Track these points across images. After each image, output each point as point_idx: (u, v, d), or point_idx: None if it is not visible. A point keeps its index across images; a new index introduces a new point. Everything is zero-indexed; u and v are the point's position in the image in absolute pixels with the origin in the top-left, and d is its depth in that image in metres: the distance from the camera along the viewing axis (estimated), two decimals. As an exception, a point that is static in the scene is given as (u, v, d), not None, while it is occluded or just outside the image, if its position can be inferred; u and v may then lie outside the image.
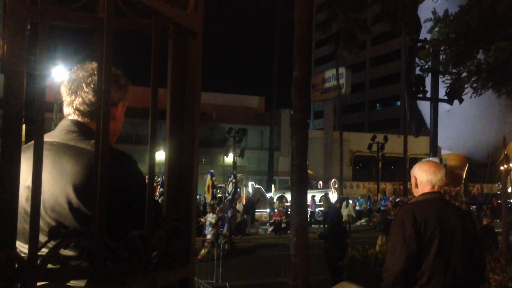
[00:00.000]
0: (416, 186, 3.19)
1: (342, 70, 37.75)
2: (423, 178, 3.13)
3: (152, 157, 0.96)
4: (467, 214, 3.39)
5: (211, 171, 18.64)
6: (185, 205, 1.10)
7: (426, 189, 3.13)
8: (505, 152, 19.41)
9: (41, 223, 1.27)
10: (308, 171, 9.78)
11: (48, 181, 1.37)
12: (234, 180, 17.85)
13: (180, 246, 1.03)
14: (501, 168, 12.94)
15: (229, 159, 35.72)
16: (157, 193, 14.18)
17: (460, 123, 17.17)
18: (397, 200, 25.45)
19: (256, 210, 23.36)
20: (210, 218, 15.30)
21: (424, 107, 19.23)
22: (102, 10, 1.10)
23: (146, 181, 1.14)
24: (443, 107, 16.23)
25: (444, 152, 19.28)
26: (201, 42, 1.11)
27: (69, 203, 1.35)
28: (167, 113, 1.18)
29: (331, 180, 32.66)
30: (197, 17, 1.08)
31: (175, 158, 1.14)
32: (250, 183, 27.73)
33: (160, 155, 37.77)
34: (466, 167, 19.01)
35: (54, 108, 27.52)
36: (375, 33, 53.34)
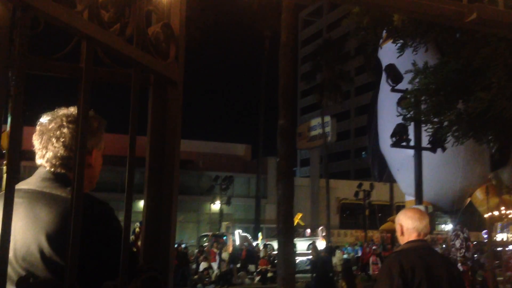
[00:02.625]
0: (402, 233, 3.17)
1: (327, 119, 38.36)
2: (409, 225, 3.12)
3: (128, 205, 0.95)
4: (452, 262, 3.37)
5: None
6: (163, 255, 1.08)
7: (412, 236, 3.11)
8: (469, 200, 19.64)
9: (11, 272, 1.23)
10: (299, 221, 9.71)
11: (21, 229, 1.33)
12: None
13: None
14: (486, 216, 12.97)
15: (215, 206, 35.34)
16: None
17: (424, 169, 17.32)
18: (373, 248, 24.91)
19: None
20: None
21: (387, 152, 19.49)
22: (83, 60, 1.12)
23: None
24: (407, 152, 16.42)
25: (408, 198, 19.24)
26: (181, 91, 1.12)
27: (41, 252, 1.31)
28: (146, 162, 1.18)
29: (318, 227, 32.38)
30: (177, 67, 1.10)
31: (153, 207, 1.13)
32: (236, 231, 27.34)
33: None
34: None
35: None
36: (359, 83, 54.68)
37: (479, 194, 19.22)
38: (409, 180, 18.52)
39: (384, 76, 19.33)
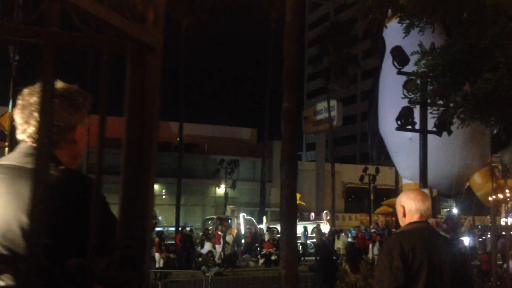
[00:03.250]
0: (404, 215, 3.10)
1: (333, 103, 38.11)
2: (412, 206, 3.05)
3: (98, 183, 0.89)
4: (455, 244, 3.31)
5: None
6: (139, 235, 1.02)
7: (414, 218, 3.04)
8: (468, 184, 19.17)
9: None
10: (300, 202, 9.69)
11: (1, 206, 1.29)
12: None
13: (131, 277, 0.94)
14: (490, 199, 12.85)
15: (220, 190, 35.47)
16: None
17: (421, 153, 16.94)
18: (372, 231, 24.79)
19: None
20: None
21: (385, 134, 19.10)
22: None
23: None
24: (405, 135, 16.15)
25: (405, 181, 18.94)
26: (160, 59, 1.05)
27: (22, 229, 1.26)
28: (124, 136, 1.11)
29: (323, 211, 32.45)
30: (156, 32, 1.03)
31: (129, 185, 1.07)
32: (241, 215, 27.45)
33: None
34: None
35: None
36: (366, 67, 54.17)
37: (477, 178, 18.80)
38: (406, 163, 18.20)
39: (387, 57, 18.95)
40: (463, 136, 13.73)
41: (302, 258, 20.76)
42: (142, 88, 1.06)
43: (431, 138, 13.12)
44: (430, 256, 2.87)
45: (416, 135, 15.56)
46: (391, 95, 17.47)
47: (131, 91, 1.07)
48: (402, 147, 17.68)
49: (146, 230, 1.03)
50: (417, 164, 17.28)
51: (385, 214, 26.31)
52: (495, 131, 14.93)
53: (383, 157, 21.06)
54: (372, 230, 24.25)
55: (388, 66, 18.61)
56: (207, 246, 19.54)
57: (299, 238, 23.68)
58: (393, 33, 16.96)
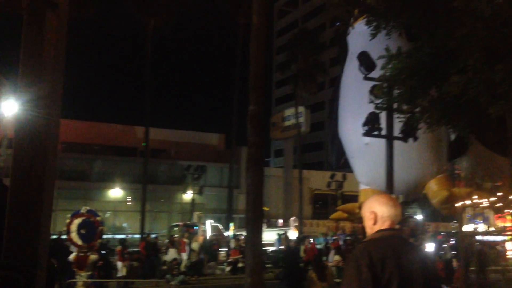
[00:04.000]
0: (375, 222, 2.87)
1: (301, 109, 38.26)
2: (384, 213, 2.82)
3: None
4: (425, 252, 3.13)
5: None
6: (29, 250, 0.77)
7: (385, 225, 2.82)
8: (424, 192, 19.14)
9: None
10: (265, 208, 9.48)
11: None
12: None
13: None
14: (456, 205, 12.94)
15: (187, 196, 34.91)
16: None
17: (378, 157, 16.49)
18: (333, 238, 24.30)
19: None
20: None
21: (344, 138, 18.97)
22: None
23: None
24: (361, 140, 16.11)
25: (362, 187, 18.94)
26: (65, 18, 0.80)
27: None
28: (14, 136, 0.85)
29: (291, 218, 32.36)
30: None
31: (18, 193, 0.81)
32: (208, 221, 27.02)
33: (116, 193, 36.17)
34: None
35: (2, 143, 26.31)
36: (334, 74, 54.72)
37: (433, 185, 18.65)
38: (362, 168, 18.11)
39: (349, 62, 18.92)
40: (420, 142, 13.60)
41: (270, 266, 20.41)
42: (39, 53, 0.80)
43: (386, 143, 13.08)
44: (401, 266, 2.67)
45: (373, 140, 15.45)
46: (351, 100, 17.46)
47: (25, 58, 0.82)
48: (358, 152, 17.62)
49: (38, 244, 0.78)
50: (373, 169, 17.09)
51: (339, 219, 26.18)
52: (452, 138, 15.03)
53: (342, 162, 20.98)
54: (333, 238, 23.92)
55: (349, 71, 18.59)
56: (172, 254, 19.05)
57: (272, 245, 23.42)
58: (357, 37, 16.99)
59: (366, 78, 11.16)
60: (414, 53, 6.25)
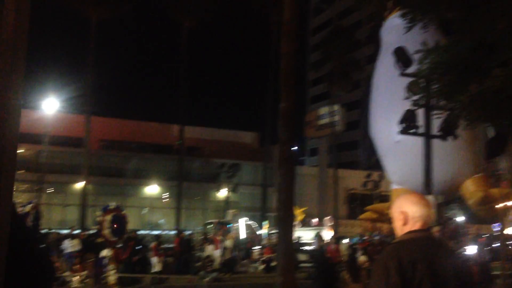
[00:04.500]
0: (406, 223, 2.71)
1: (336, 107, 37.74)
2: (415, 213, 2.66)
3: None
4: (461, 257, 2.93)
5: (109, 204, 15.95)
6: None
7: (417, 226, 2.65)
8: (460, 192, 17.97)
9: None
10: (302, 208, 9.31)
11: None
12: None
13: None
14: (497, 207, 12.36)
15: (222, 194, 35.12)
16: None
17: (410, 155, 15.23)
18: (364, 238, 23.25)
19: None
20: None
21: (375, 136, 18.10)
22: None
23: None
24: (392, 137, 15.41)
25: (394, 186, 18.06)
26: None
27: None
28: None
29: (325, 217, 32.00)
30: None
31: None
32: (242, 219, 27.07)
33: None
34: None
35: (45, 140, 27.20)
36: (370, 72, 53.69)
37: (469, 185, 17.66)
38: (393, 166, 17.31)
39: (382, 57, 18.29)
40: (455, 140, 12.78)
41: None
42: None
43: (419, 140, 12.52)
44: (432, 270, 2.50)
45: (404, 138, 14.85)
46: (383, 96, 16.89)
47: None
48: (389, 150, 16.93)
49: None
50: (405, 168, 16.39)
51: (369, 219, 25.22)
52: (490, 135, 14.27)
53: (374, 161, 20.24)
54: (363, 238, 23.07)
55: (381, 67, 18.01)
56: (209, 251, 19.19)
57: (310, 244, 23.07)
58: (391, 32, 16.43)
59: (403, 74, 10.82)
60: (452, 46, 5.95)
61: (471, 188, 17.27)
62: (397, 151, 15.96)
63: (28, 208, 12.10)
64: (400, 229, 2.74)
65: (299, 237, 21.64)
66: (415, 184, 16.18)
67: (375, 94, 17.96)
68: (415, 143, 14.65)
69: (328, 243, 18.95)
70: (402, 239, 2.67)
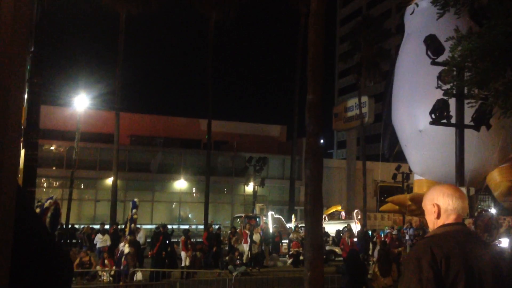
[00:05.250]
0: (439, 216, 2.57)
1: (365, 99, 37.17)
2: (449, 205, 2.51)
3: None
4: (500, 252, 2.77)
5: (135, 200, 16.45)
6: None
7: (451, 219, 2.51)
8: (486, 183, 17.18)
9: None
10: (336, 208, 9.15)
11: None
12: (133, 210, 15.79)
13: None
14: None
15: (249, 188, 35.15)
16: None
17: (433, 145, 14.87)
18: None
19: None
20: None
21: (397, 125, 17.39)
22: None
23: None
24: (415, 126, 14.85)
25: (416, 177, 17.49)
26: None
27: None
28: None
29: (354, 211, 31.64)
30: None
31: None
32: (270, 213, 27.00)
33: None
34: None
35: (76, 136, 27.77)
36: (394, 60, 52.64)
37: (496, 176, 16.75)
38: (416, 157, 16.66)
39: (405, 43, 17.73)
40: (481, 128, 12.16)
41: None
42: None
43: (443, 129, 12.03)
44: (468, 266, 2.35)
45: (427, 127, 14.28)
46: (406, 84, 16.38)
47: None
48: (412, 140, 16.33)
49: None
50: (428, 158, 15.84)
51: (390, 211, 24.41)
52: None
53: (396, 152, 19.59)
54: (387, 231, 22.37)
55: (404, 54, 17.48)
56: (235, 245, 19.23)
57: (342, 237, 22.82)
58: (415, 17, 15.90)
59: (434, 62, 10.49)
60: (486, 32, 5.69)
61: (497, 179, 16.65)
62: (420, 141, 15.45)
63: (47, 203, 12.32)
64: (433, 222, 2.60)
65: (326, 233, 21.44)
66: (438, 175, 15.72)
67: (398, 82, 17.39)
68: (439, 132, 14.17)
69: (342, 236, 18.57)
70: (436, 233, 2.53)
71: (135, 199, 16.45)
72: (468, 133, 12.89)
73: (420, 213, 17.06)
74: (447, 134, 13.87)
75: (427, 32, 15.77)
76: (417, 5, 10.36)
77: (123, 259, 13.71)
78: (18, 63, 0.82)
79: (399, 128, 17.33)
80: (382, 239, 22.54)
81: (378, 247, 16.36)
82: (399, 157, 21.41)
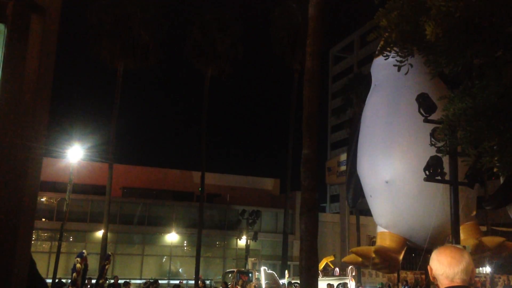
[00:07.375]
0: (433, 278, 2.54)
1: (358, 153, 37.44)
2: (438, 270, 2.48)
3: None
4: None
5: (83, 251, 16.60)
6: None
7: (445, 283, 2.48)
8: (448, 239, 16.82)
9: None
10: (329, 262, 8.97)
11: None
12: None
13: None
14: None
15: (242, 242, 34.54)
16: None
17: (399, 198, 14.57)
18: None
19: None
20: None
21: (361, 175, 17.00)
22: None
23: None
24: (381, 177, 14.60)
25: (379, 229, 16.98)
26: (56, 22, 0.67)
27: None
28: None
29: (348, 267, 31.02)
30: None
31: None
32: (262, 268, 26.40)
33: (172, 237, 36.46)
34: (403, 251, 16.04)
35: (67, 188, 27.44)
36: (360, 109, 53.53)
37: (461, 234, 16.52)
38: (381, 209, 16.14)
39: (370, 95, 17.95)
40: (446, 186, 11.83)
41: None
42: (21, 65, 0.67)
43: (413, 180, 11.88)
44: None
45: (393, 178, 14.13)
46: (371, 134, 16.26)
47: (6, 72, 0.68)
48: (377, 190, 15.88)
49: None
50: (393, 211, 15.42)
51: (353, 263, 23.64)
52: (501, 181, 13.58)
53: (359, 202, 19.13)
54: None
55: (370, 105, 17.60)
56: (226, 302, 18.66)
57: None
58: (381, 69, 16.20)
59: (427, 120, 10.68)
60: (478, 92, 5.84)
61: (461, 236, 16.23)
62: (386, 193, 15.14)
63: (78, 265, 12.70)
64: (436, 283, 2.57)
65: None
66: (403, 228, 15.38)
67: (364, 131, 17.14)
68: (407, 184, 14.00)
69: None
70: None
71: (83, 252, 16.37)
72: (434, 188, 12.61)
73: (384, 267, 16.42)
74: (416, 186, 13.63)
75: (393, 84, 15.99)
76: (411, 65, 10.66)
77: None
78: (39, 126, 0.83)
79: (364, 178, 16.83)
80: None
81: None
82: (363, 207, 20.89)
